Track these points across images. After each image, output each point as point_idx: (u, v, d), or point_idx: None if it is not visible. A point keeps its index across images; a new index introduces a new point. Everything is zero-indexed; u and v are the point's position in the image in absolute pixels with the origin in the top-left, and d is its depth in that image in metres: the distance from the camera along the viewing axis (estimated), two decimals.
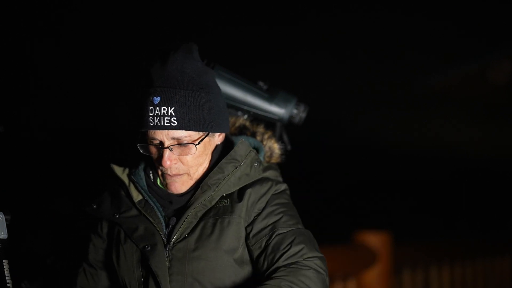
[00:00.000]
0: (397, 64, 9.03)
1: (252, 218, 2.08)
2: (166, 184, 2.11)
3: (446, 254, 5.10)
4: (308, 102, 2.43)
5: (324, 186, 10.23)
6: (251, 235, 2.06)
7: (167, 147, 2.04)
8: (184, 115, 2.03)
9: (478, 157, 10.81)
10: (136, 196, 2.14)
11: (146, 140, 2.08)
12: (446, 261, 5.08)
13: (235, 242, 2.05)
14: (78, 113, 8.83)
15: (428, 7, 8.09)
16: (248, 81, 2.40)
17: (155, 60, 2.09)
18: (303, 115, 2.42)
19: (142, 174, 2.17)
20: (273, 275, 1.98)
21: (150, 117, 2.03)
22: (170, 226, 2.08)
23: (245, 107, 2.38)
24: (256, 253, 2.05)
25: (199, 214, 2.08)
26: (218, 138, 2.15)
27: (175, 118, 2.02)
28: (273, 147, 2.28)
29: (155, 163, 2.10)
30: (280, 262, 2.00)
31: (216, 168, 2.09)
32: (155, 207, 2.11)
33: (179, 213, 2.10)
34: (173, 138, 2.04)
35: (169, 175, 2.08)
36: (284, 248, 2.01)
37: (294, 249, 2.01)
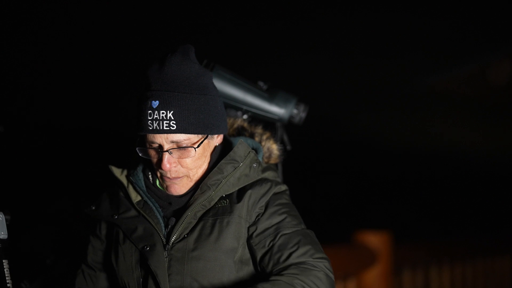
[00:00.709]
0: (396, 64, 9.03)
1: (254, 218, 2.08)
2: (166, 186, 2.11)
3: (446, 254, 5.10)
4: (308, 102, 2.43)
5: (324, 186, 10.23)
6: (254, 234, 2.06)
7: (167, 151, 2.04)
8: (183, 118, 2.03)
9: (478, 157, 10.81)
10: (135, 197, 2.15)
11: (145, 144, 2.08)
12: (446, 261, 5.08)
13: (234, 242, 2.05)
14: (78, 114, 8.83)
15: (428, 7, 8.09)
16: (248, 81, 2.40)
17: (153, 63, 2.09)
18: (303, 115, 2.42)
19: (140, 175, 2.17)
20: (283, 272, 1.99)
21: (149, 121, 2.03)
22: (170, 226, 2.08)
23: (245, 107, 2.39)
24: (260, 252, 2.05)
25: (198, 215, 2.08)
26: (216, 139, 2.15)
27: (174, 122, 2.03)
28: (272, 148, 2.29)
29: (154, 166, 2.11)
30: (289, 261, 2.01)
31: (215, 169, 2.10)
32: (154, 208, 2.11)
33: (178, 213, 2.10)
34: (172, 142, 2.05)
35: (169, 178, 2.09)
36: (292, 248, 2.02)
37: (302, 250, 2.02)
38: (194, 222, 2.07)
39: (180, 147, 2.05)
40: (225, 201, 2.11)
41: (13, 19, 7.42)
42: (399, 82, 9.54)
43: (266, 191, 2.11)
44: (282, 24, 8.27)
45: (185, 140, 2.05)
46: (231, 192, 2.12)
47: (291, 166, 2.49)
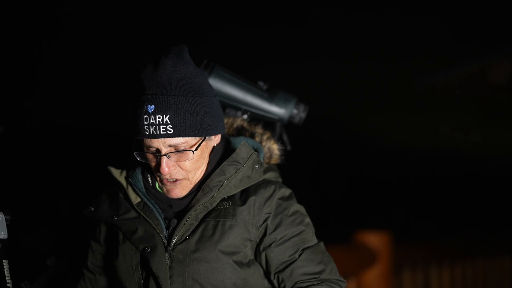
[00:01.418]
0: (397, 64, 9.03)
1: (262, 222, 2.07)
2: (166, 190, 2.10)
3: (446, 254, 5.10)
4: (308, 102, 2.42)
5: (324, 186, 10.23)
6: (273, 245, 2.06)
7: (165, 155, 2.04)
8: (180, 122, 2.02)
9: (478, 157, 10.81)
10: (135, 199, 2.14)
11: (143, 148, 2.08)
12: (446, 261, 5.08)
13: (236, 245, 2.04)
14: (78, 113, 8.82)
15: (428, 8, 8.09)
16: (248, 81, 2.39)
17: (146, 66, 2.08)
18: (303, 115, 2.42)
19: (139, 177, 2.16)
20: (309, 285, 2.04)
21: (146, 126, 2.02)
22: (171, 228, 2.07)
23: (245, 107, 2.38)
24: (276, 262, 2.07)
25: (200, 216, 2.07)
26: (214, 140, 2.14)
27: (171, 126, 2.01)
28: (272, 148, 2.28)
29: (153, 170, 2.10)
30: (318, 279, 2.05)
31: (217, 170, 2.08)
32: (154, 209, 2.10)
33: (180, 215, 2.09)
34: (170, 146, 2.03)
35: (168, 181, 2.08)
36: (317, 265, 2.07)
37: (328, 268, 2.07)
38: (196, 223, 2.07)
39: (178, 150, 2.04)
40: (227, 203, 2.09)
41: (13, 19, 7.42)
42: (399, 83, 9.54)
43: (270, 194, 2.10)
44: (283, 25, 8.27)
45: (182, 143, 2.04)
46: (233, 193, 2.11)
47: (291, 166, 2.48)
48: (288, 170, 2.39)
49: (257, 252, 2.08)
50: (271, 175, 2.19)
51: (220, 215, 2.07)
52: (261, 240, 2.07)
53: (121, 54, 8.13)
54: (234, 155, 2.10)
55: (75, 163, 8.38)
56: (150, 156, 2.06)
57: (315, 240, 2.10)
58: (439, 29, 8.45)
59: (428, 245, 5.07)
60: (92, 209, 2.18)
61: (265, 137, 2.28)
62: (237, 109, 2.38)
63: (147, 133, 2.01)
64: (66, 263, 2.33)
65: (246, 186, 2.11)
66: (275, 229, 2.06)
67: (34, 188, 7.89)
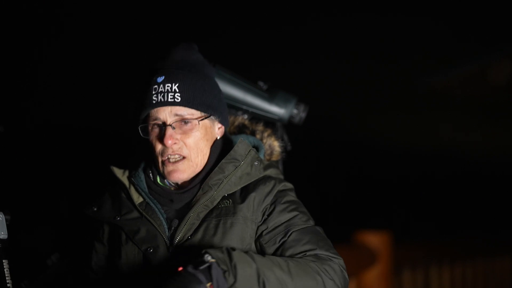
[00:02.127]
0: (397, 64, 9.03)
1: (261, 217, 2.08)
2: (168, 172, 2.09)
3: (446, 254, 5.11)
4: (308, 102, 2.43)
5: (324, 186, 10.23)
6: (264, 233, 2.05)
7: (170, 125, 2.05)
8: (187, 92, 2.06)
9: (478, 157, 10.81)
10: (137, 199, 2.14)
11: (148, 123, 2.09)
12: (446, 261, 5.08)
13: (238, 243, 2.04)
14: (78, 113, 8.83)
15: (428, 8, 8.10)
16: (248, 81, 2.40)
17: (158, 56, 2.13)
18: (303, 115, 2.42)
19: (142, 175, 2.16)
20: (299, 257, 1.98)
21: (154, 95, 2.05)
22: (173, 228, 2.07)
23: (245, 107, 2.38)
24: (270, 250, 2.04)
25: (201, 215, 2.07)
26: (218, 130, 2.15)
27: (179, 94, 2.05)
28: (273, 145, 2.29)
29: (155, 148, 2.09)
30: (304, 253, 2.00)
31: (216, 168, 2.09)
32: (156, 209, 2.10)
33: (181, 214, 2.09)
34: (176, 115, 2.06)
35: (170, 162, 2.08)
36: (305, 245, 2.02)
37: (316, 245, 2.02)
38: (197, 223, 2.06)
39: (183, 120, 2.05)
40: (228, 201, 2.10)
41: (13, 19, 7.42)
42: (399, 83, 9.54)
43: (270, 189, 2.11)
44: (283, 25, 8.27)
45: (188, 114, 2.06)
46: (233, 191, 2.11)
47: (291, 166, 2.48)
48: (288, 170, 2.39)
49: (256, 244, 2.08)
50: (272, 172, 2.19)
51: (221, 213, 2.07)
52: (257, 231, 2.07)
53: (121, 54, 8.13)
54: (232, 152, 2.10)
55: (75, 163, 8.38)
56: (155, 129, 2.07)
57: (309, 224, 2.08)
58: (439, 29, 8.45)
59: (428, 245, 5.07)
60: (95, 209, 2.18)
61: (266, 134, 2.29)
62: (238, 109, 2.39)
63: (155, 101, 2.04)
64: (66, 263, 2.33)
65: (246, 183, 2.11)
66: (268, 217, 2.07)
67: (34, 188, 7.89)
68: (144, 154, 2.17)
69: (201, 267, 1.83)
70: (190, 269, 1.83)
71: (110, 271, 2.18)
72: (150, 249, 2.04)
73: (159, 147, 2.08)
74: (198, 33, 7.88)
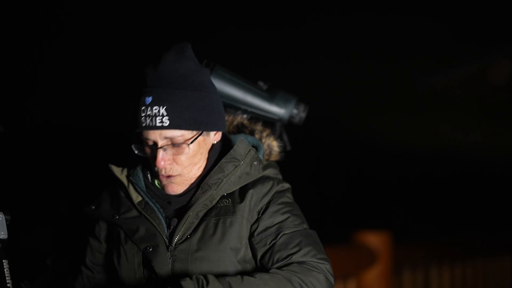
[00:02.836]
0: (397, 64, 9.03)
1: (255, 217, 2.07)
2: (163, 186, 2.11)
3: (446, 254, 5.10)
4: (308, 102, 2.43)
5: (324, 186, 10.23)
6: (255, 233, 2.04)
7: (161, 147, 2.04)
8: (176, 114, 2.02)
9: (478, 157, 10.81)
10: (136, 197, 2.13)
11: (141, 141, 2.08)
12: (446, 261, 5.08)
13: (237, 243, 2.04)
14: (78, 113, 8.83)
15: (428, 8, 8.10)
16: (248, 81, 2.40)
17: (149, 62, 2.09)
18: (303, 115, 2.42)
19: (140, 175, 2.16)
20: (284, 268, 1.96)
21: (142, 117, 2.02)
22: (172, 227, 2.07)
23: (245, 107, 2.38)
24: (260, 251, 2.03)
25: (200, 214, 2.07)
26: (214, 137, 2.14)
27: (167, 118, 2.01)
28: (272, 145, 2.28)
29: (151, 164, 2.10)
30: (290, 260, 1.98)
31: (216, 167, 2.09)
32: (155, 208, 2.10)
33: (180, 213, 2.09)
34: (166, 138, 2.04)
35: (165, 176, 2.08)
36: (293, 248, 2.00)
37: (304, 250, 2.00)
38: (197, 222, 2.07)
39: (174, 143, 2.04)
40: (227, 200, 2.10)
41: (13, 19, 7.42)
42: (399, 83, 9.54)
43: (268, 189, 2.11)
44: (283, 25, 8.27)
45: (179, 136, 2.04)
46: (232, 190, 2.11)
47: (291, 166, 2.48)
48: (288, 170, 2.39)
49: (249, 244, 2.08)
50: (270, 172, 2.19)
51: (220, 213, 2.07)
52: (250, 229, 2.07)
53: (121, 54, 8.13)
54: (232, 152, 2.10)
55: (75, 163, 8.38)
56: (147, 149, 2.06)
57: (302, 227, 2.06)
58: (439, 29, 8.45)
59: (428, 245, 5.07)
60: (93, 207, 2.18)
61: (264, 134, 2.29)
62: (237, 109, 2.39)
63: (144, 124, 2.02)
64: (66, 263, 2.33)
65: (245, 183, 2.11)
66: (261, 216, 2.07)
67: (34, 188, 7.90)
68: None
69: None
70: None
71: (107, 270, 2.17)
72: (149, 248, 2.04)
73: (152, 164, 2.08)
74: (198, 33, 7.88)
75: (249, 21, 8.09)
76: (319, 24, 8.27)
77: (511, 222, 8.90)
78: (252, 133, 2.29)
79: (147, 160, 2.13)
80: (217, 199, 2.09)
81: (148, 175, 2.15)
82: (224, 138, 2.19)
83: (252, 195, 2.08)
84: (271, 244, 2.03)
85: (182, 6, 7.67)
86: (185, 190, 2.11)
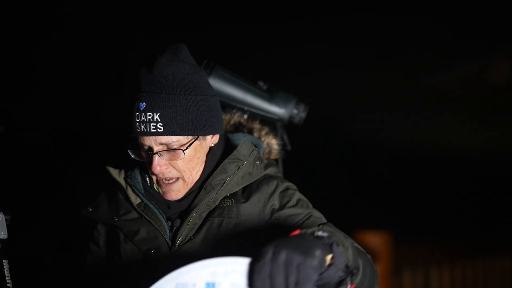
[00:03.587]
0: (396, 64, 9.02)
1: (269, 217, 2.07)
2: (163, 192, 2.10)
3: (446, 254, 5.10)
4: (308, 102, 2.43)
5: (324, 186, 10.22)
6: (281, 217, 2.04)
7: (156, 153, 2.03)
8: (170, 120, 2.01)
9: (478, 157, 10.80)
10: (135, 199, 2.13)
11: (137, 146, 2.07)
12: (446, 261, 5.08)
13: (241, 243, 2.03)
14: (79, 113, 8.82)
15: (428, 8, 8.09)
16: (248, 81, 2.40)
17: (143, 65, 2.08)
18: (303, 115, 2.43)
19: (138, 177, 2.15)
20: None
21: (137, 123, 2.02)
22: (175, 228, 2.06)
23: (245, 107, 2.38)
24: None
25: (203, 215, 2.06)
26: (211, 140, 2.13)
27: (161, 124, 2.01)
28: (271, 143, 2.28)
29: (148, 169, 2.09)
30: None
31: (219, 168, 2.08)
32: (155, 210, 2.09)
33: (183, 214, 2.08)
34: (161, 144, 2.03)
35: (164, 183, 2.07)
36: (325, 226, 1.95)
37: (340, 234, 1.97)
38: (200, 223, 2.06)
39: (169, 148, 2.03)
40: (229, 201, 2.09)
41: (13, 19, 7.42)
42: (398, 83, 9.53)
43: (273, 189, 2.10)
44: (283, 24, 8.27)
45: (174, 142, 2.03)
46: (235, 191, 2.10)
47: (290, 167, 2.48)
48: (288, 170, 2.39)
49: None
50: (271, 171, 2.19)
51: (223, 213, 2.06)
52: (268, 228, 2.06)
53: (121, 54, 8.13)
54: (235, 152, 2.09)
55: (75, 163, 8.37)
56: (143, 154, 2.06)
57: (325, 220, 2.12)
58: (439, 29, 8.44)
59: (428, 245, 5.07)
60: (90, 209, 2.17)
61: (263, 132, 2.29)
62: (237, 108, 2.38)
63: (139, 130, 2.02)
64: (66, 263, 2.33)
65: (248, 183, 2.11)
66: (279, 210, 2.06)
67: (34, 188, 7.89)
68: None
69: (323, 238, 1.72)
70: (309, 235, 1.72)
71: (107, 272, 2.17)
72: (151, 250, 2.04)
73: (149, 169, 2.07)
74: (198, 33, 7.88)
75: (249, 20, 8.09)
76: (319, 24, 8.26)
77: (511, 222, 8.90)
78: (250, 131, 2.28)
79: (143, 164, 2.12)
80: (220, 199, 2.08)
81: (147, 178, 2.15)
82: (222, 138, 2.18)
83: (259, 197, 2.07)
84: (300, 222, 2.04)
85: (183, 7, 7.67)
86: (185, 195, 2.10)
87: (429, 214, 10.19)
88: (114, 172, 2.16)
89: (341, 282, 1.72)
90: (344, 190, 10.23)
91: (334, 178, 10.33)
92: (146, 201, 2.09)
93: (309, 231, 1.72)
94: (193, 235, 2.02)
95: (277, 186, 2.09)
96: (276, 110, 2.39)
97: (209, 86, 2.12)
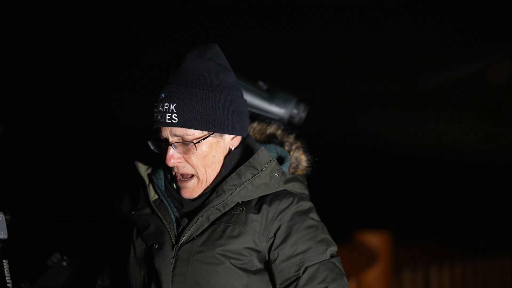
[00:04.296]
0: (397, 64, 9.03)
1: (273, 235, 2.04)
2: (179, 189, 2.11)
3: (446, 254, 5.11)
4: (308, 102, 2.43)
5: (324, 186, 10.22)
6: (277, 261, 2.02)
7: (171, 144, 2.05)
8: (185, 112, 2.02)
9: (478, 157, 10.81)
10: (153, 195, 2.14)
11: (156, 137, 2.10)
12: (446, 261, 5.08)
13: (239, 252, 2.01)
14: (79, 113, 8.83)
15: (428, 8, 8.10)
16: (248, 81, 2.40)
17: (175, 59, 2.11)
18: (303, 115, 2.42)
19: (161, 174, 2.16)
20: None
21: (155, 113, 2.05)
22: (181, 227, 2.07)
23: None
24: (281, 279, 2.03)
25: (212, 218, 2.05)
26: (230, 141, 2.11)
27: (176, 115, 2.02)
28: (300, 158, 2.22)
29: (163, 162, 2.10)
30: None
31: (233, 174, 2.05)
32: (169, 207, 2.10)
33: (192, 214, 2.08)
34: (176, 136, 2.04)
35: (180, 179, 2.08)
36: (319, 285, 2.01)
37: (329, 285, 2.02)
38: (206, 225, 2.05)
39: (184, 141, 2.04)
40: (241, 208, 2.06)
41: (13, 19, 7.42)
42: (399, 82, 9.54)
43: (286, 206, 2.05)
44: (283, 24, 8.27)
45: (188, 135, 2.04)
46: (248, 199, 2.08)
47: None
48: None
49: (266, 263, 2.06)
50: (294, 186, 2.13)
51: (231, 220, 2.04)
52: (269, 252, 2.04)
53: (121, 54, 8.14)
54: (251, 159, 2.06)
55: (75, 163, 8.38)
56: (161, 146, 2.07)
57: (325, 257, 2.05)
58: (439, 29, 8.45)
59: (428, 245, 5.08)
60: (117, 202, 2.20)
61: (294, 146, 2.23)
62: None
63: (156, 120, 2.04)
64: (66, 263, 2.33)
65: (263, 194, 2.07)
66: (281, 244, 2.03)
67: (34, 188, 7.90)
68: None
69: None
70: None
71: (119, 266, 2.18)
72: (155, 245, 2.05)
73: (164, 161, 2.08)
74: (198, 33, 7.89)
75: (249, 20, 8.10)
76: (319, 24, 8.27)
77: (511, 222, 8.91)
78: (281, 144, 2.25)
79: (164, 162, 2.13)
80: (231, 205, 2.06)
81: (169, 175, 2.16)
82: (248, 145, 2.16)
83: (269, 211, 2.05)
84: (294, 277, 2.01)
85: (183, 7, 7.68)
86: (199, 195, 2.10)
87: (429, 214, 10.20)
88: (141, 167, 2.18)
89: None
90: (344, 190, 10.24)
91: (334, 178, 10.33)
92: (162, 197, 2.10)
93: None
94: (197, 236, 2.02)
95: (291, 204, 2.04)
96: (276, 110, 2.39)
97: (237, 88, 2.13)
